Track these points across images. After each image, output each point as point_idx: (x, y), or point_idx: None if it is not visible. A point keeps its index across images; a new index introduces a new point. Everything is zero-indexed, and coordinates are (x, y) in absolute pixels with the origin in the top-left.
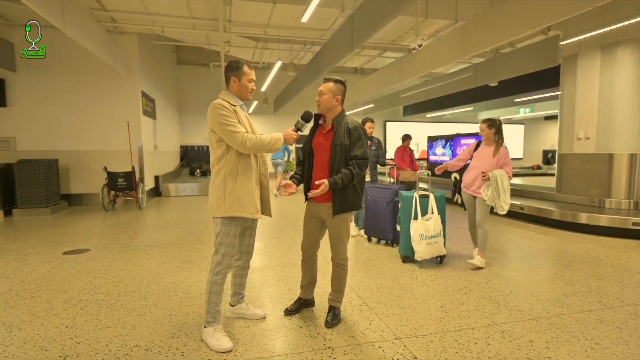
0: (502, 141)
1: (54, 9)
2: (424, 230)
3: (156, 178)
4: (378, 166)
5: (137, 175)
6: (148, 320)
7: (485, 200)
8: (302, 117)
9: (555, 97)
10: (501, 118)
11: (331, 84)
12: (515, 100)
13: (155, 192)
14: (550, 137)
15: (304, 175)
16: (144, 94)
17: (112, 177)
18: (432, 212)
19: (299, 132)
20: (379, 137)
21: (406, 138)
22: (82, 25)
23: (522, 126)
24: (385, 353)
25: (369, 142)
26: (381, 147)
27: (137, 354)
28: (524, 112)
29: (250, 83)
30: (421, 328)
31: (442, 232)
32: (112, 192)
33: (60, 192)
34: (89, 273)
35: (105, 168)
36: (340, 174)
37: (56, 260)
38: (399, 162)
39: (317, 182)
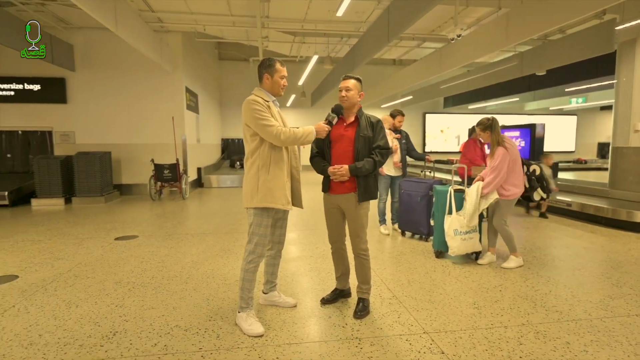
0: (499, 140)
1: (107, 13)
2: (459, 225)
3: (199, 170)
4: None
5: (181, 167)
6: (188, 304)
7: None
8: (332, 110)
9: (611, 86)
10: (550, 108)
11: (354, 81)
12: (566, 90)
13: (198, 183)
14: (606, 129)
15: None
16: (187, 90)
17: (158, 168)
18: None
19: (330, 125)
20: (419, 130)
21: (474, 130)
22: (131, 26)
23: (575, 117)
24: (412, 346)
25: (399, 135)
26: (410, 140)
27: (177, 333)
28: (576, 102)
29: (282, 80)
30: (451, 324)
31: (477, 228)
32: (159, 183)
33: (112, 182)
34: (136, 258)
35: (152, 160)
36: (363, 161)
37: (108, 245)
38: (473, 157)
39: (336, 166)
